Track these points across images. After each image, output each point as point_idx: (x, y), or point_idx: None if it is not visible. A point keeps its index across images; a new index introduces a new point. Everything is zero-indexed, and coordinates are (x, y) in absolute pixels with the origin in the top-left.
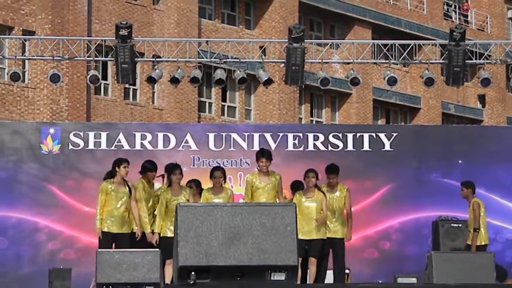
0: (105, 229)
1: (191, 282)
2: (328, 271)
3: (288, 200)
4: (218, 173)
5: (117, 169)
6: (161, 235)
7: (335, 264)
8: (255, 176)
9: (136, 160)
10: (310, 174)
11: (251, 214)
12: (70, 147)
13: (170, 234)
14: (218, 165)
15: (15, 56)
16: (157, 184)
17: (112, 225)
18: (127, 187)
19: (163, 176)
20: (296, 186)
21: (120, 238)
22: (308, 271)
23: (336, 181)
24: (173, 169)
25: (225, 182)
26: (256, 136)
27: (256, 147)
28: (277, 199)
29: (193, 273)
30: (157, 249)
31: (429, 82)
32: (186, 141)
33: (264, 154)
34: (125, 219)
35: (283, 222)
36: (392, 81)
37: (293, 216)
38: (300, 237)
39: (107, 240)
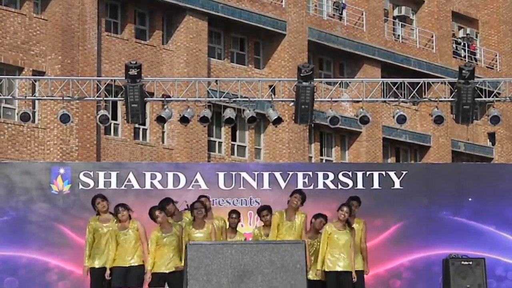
0: (94, 266)
1: None
2: None
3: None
4: (198, 205)
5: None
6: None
7: None
8: (282, 213)
9: (147, 200)
10: (344, 208)
11: (261, 252)
12: (80, 187)
13: (156, 269)
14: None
15: (25, 97)
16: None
17: (99, 260)
18: (113, 221)
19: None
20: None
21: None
22: None
23: (355, 211)
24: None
25: (206, 215)
26: (266, 175)
27: (266, 186)
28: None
29: None
30: None
31: (438, 120)
32: (196, 181)
33: (300, 191)
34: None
35: (292, 259)
36: (402, 120)
37: (302, 253)
38: (329, 269)
39: (97, 275)
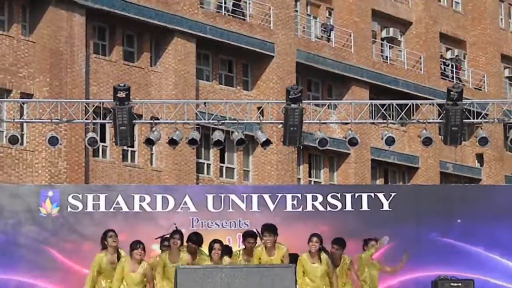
0: None
1: None
2: None
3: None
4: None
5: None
6: None
7: None
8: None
9: (136, 222)
10: (314, 238)
11: (251, 276)
12: (69, 209)
13: None
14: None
15: (14, 119)
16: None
17: None
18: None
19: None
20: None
21: None
22: None
23: (340, 252)
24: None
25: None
26: (254, 197)
27: (255, 208)
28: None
29: None
30: None
31: (427, 141)
32: (185, 203)
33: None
34: None
35: (282, 284)
36: (390, 141)
37: (292, 278)
38: None
39: None
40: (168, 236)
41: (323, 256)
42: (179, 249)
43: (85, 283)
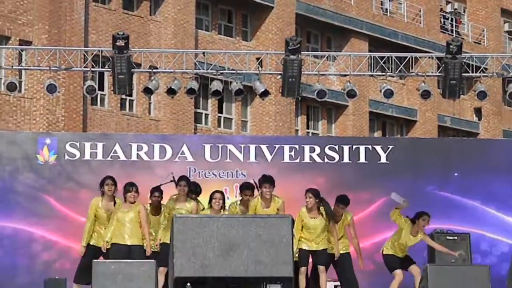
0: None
1: None
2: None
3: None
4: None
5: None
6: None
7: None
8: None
9: (133, 171)
10: (308, 194)
11: (247, 226)
12: (66, 157)
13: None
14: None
15: (12, 66)
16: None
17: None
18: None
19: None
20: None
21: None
22: (320, 279)
23: (343, 211)
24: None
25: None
26: (252, 147)
27: (252, 159)
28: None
29: (188, 284)
30: (153, 260)
31: (425, 94)
32: (182, 152)
33: (268, 180)
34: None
35: (278, 233)
36: (389, 94)
37: (289, 227)
38: (304, 247)
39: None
40: (166, 183)
41: (323, 210)
42: (187, 196)
43: (85, 229)
